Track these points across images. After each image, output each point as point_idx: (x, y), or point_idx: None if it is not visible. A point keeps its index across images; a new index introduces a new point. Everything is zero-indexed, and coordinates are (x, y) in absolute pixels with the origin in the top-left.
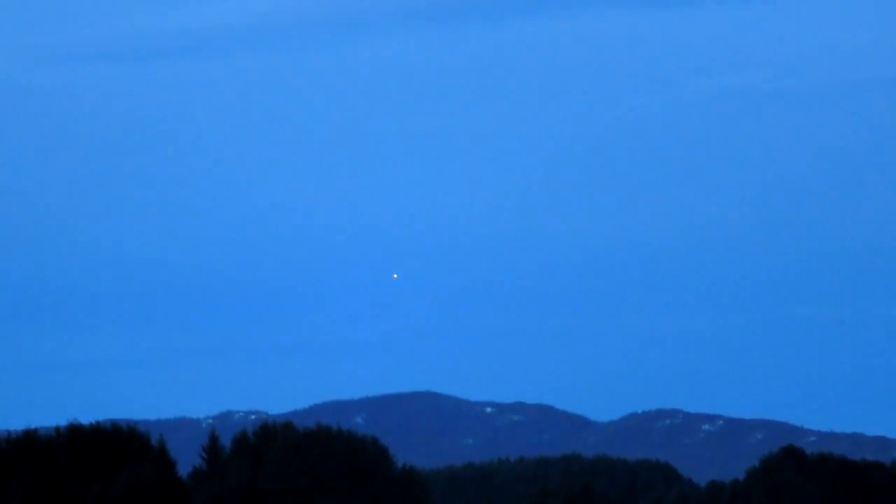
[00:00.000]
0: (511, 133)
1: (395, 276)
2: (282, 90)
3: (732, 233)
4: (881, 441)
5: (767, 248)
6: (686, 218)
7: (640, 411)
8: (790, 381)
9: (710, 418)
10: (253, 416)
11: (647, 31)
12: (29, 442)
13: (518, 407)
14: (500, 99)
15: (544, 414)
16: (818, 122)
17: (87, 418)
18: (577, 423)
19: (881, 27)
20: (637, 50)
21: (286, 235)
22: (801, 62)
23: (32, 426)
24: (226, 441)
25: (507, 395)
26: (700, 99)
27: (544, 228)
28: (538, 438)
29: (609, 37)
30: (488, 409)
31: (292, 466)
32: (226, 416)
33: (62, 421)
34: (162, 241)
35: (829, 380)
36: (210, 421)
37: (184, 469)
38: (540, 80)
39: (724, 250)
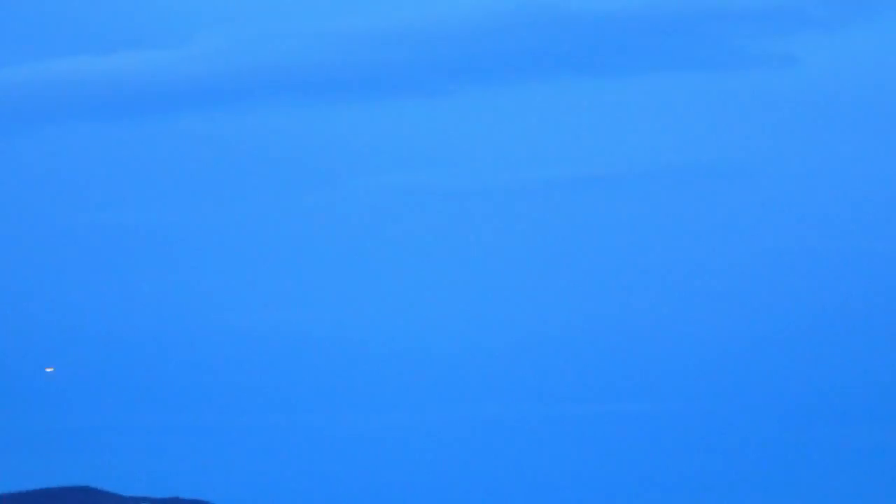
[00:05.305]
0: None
1: (50, 369)
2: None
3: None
4: None
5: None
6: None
7: None
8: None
9: None
10: None
11: (319, 127)
12: None
13: (174, 502)
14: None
15: None
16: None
17: None
18: None
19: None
20: (312, 147)
21: None
22: (487, 161)
23: None
24: None
25: (162, 490)
26: (375, 197)
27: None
28: None
29: (275, 134)
30: None
31: None
32: None
33: None
34: None
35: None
36: None
37: None
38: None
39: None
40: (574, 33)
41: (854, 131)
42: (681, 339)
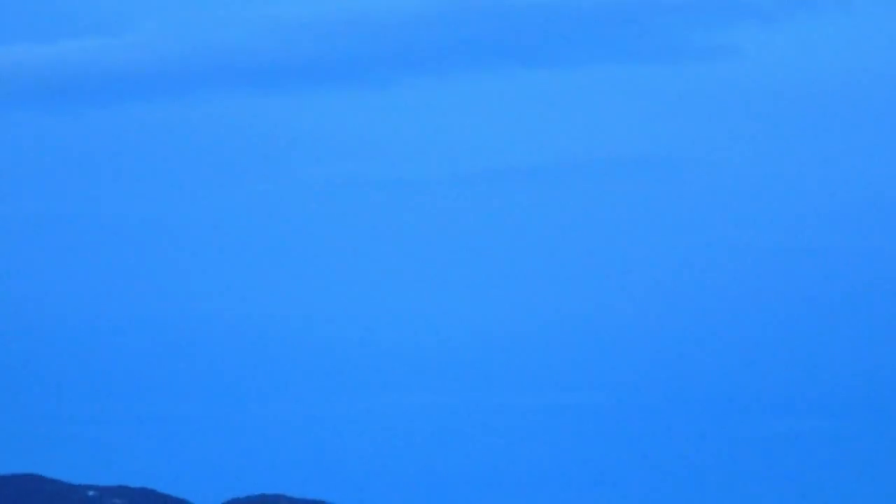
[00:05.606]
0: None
1: None
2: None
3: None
4: None
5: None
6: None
7: (242, 496)
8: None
9: (317, 503)
10: None
11: (260, 115)
12: None
13: (121, 490)
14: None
15: (147, 497)
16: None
17: None
18: None
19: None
20: (252, 136)
21: None
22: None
23: None
24: None
25: (109, 478)
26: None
27: (131, 309)
28: None
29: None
30: (90, 493)
31: None
32: None
33: None
34: None
35: None
36: None
37: None
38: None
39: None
40: (518, 24)
41: (797, 122)
42: (628, 331)
